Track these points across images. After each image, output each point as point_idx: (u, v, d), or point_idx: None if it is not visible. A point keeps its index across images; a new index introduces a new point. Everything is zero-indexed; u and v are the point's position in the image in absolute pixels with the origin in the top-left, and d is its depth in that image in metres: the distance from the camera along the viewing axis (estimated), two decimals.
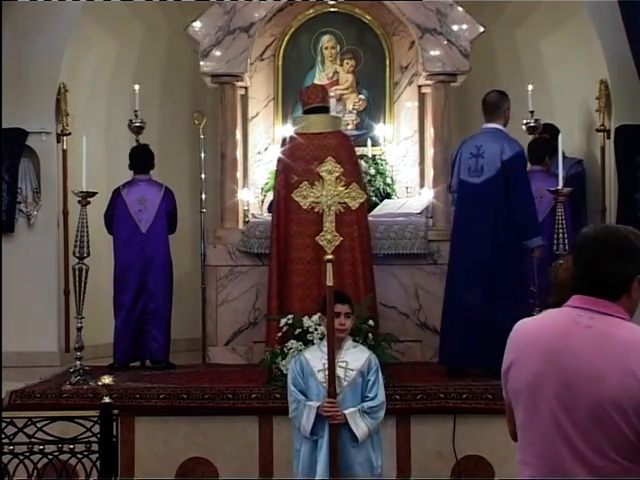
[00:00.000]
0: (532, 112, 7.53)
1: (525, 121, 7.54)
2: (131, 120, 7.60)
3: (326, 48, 8.13)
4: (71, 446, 4.69)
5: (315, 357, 4.72)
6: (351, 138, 7.05)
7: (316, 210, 4.81)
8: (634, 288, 2.54)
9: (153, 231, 6.96)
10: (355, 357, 4.71)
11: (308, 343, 5.39)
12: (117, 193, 7.05)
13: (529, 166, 7.00)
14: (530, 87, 7.54)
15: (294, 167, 6.40)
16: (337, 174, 4.69)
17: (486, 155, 6.10)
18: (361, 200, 4.80)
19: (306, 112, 6.75)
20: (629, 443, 2.41)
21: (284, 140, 6.80)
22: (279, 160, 6.70)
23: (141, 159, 7.14)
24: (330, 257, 4.64)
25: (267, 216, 7.49)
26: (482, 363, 5.96)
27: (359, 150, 7.39)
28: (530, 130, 7.49)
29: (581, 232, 2.64)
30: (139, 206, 6.97)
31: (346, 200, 4.72)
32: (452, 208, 6.62)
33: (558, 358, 2.47)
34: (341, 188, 4.71)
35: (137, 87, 7.59)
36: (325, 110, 6.79)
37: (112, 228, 7.06)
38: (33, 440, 4.68)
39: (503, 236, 6.03)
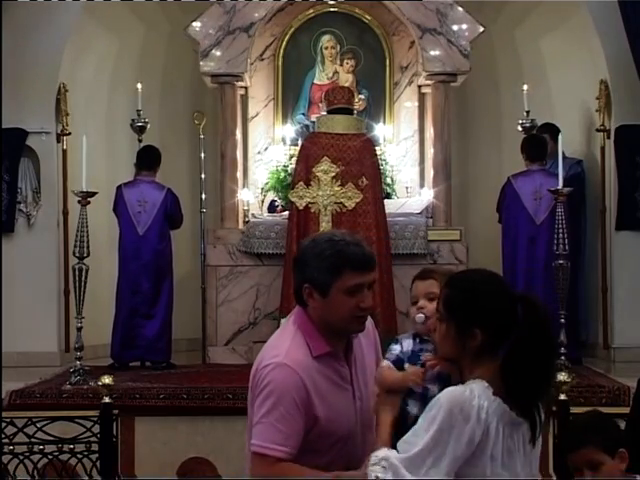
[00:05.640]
0: (528, 112, 7.51)
1: (521, 121, 7.52)
2: (133, 120, 7.60)
3: (326, 48, 8.13)
4: (71, 446, 4.71)
5: None
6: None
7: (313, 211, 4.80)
8: (306, 297, 2.57)
9: (150, 234, 6.94)
10: None
11: None
12: (119, 191, 7.06)
13: (526, 165, 7.02)
14: (525, 87, 7.52)
15: (316, 166, 6.12)
16: (333, 174, 4.69)
17: None
18: (357, 200, 4.78)
19: (330, 112, 6.77)
20: None
21: (304, 137, 6.74)
22: (300, 157, 6.67)
23: (143, 159, 7.15)
24: None
25: (267, 216, 7.50)
26: None
27: None
28: (526, 130, 7.48)
29: None
30: (138, 207, 6.95)
31: (342, 200, 4.72)
32: None
33: None
34: (337, 188, 4.70)
35: (139, 86, 7.59)
36: (349, 112, 6.79)
37: None
38: (33, 440, 4.70)
39: None
